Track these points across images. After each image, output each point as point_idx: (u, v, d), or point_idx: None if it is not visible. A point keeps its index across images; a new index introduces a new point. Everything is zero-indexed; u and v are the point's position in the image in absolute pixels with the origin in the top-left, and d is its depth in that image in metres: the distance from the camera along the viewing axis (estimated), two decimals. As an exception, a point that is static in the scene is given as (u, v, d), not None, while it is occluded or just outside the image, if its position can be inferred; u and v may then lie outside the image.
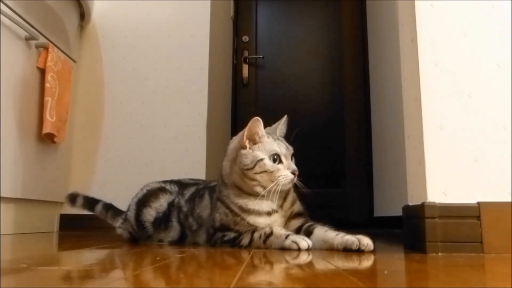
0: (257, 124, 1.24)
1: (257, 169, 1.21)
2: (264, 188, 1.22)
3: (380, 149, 2.60)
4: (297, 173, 1.23)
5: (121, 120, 2.24)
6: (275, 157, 1.22)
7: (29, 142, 1.84)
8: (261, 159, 1.21)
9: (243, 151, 1.25)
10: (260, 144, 1.24)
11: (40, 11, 1.92)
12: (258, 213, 1.24)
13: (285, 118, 1.38)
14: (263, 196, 1.22)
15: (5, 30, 1.69)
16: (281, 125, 1.36)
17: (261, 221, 1.23)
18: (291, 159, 1.27)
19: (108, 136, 2.23)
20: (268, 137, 1.26)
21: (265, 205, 1.24)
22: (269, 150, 1.23)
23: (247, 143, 1.25)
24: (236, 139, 1.31)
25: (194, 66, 2.24)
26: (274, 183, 1.20)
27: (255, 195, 1.24)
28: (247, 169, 1.22)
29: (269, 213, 1.25)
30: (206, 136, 2.18)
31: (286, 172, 1.22)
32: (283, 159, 1.23)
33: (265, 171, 1.21)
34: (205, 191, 1.44)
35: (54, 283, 0.63)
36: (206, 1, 2.30)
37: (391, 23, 2.26)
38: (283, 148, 1.24)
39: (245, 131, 1.24)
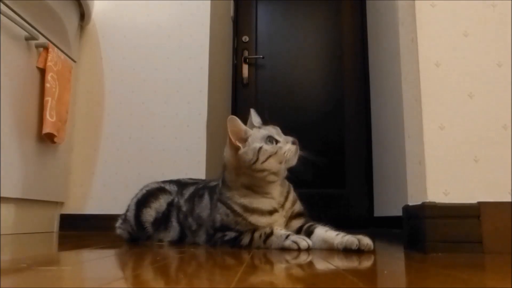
0: (233, 122, 1.26)
1: (261, 158, 1.22)
2: (276, 174, 1.23)
3: (380, 149, 2.59)
4: (297, 142, 1.25)
5: (121, 120, 2.24)
6: (270, 139, 1.24)
7: (29, 142, 1.84)
8: (260, 147, 1.22)
9: (240, 152, 1.25)
10: (249, 138, 1.26)
11: (40, 11, 1.92)
12: (261, 212, 1.24)
13: (252, 111, 1.40)
14: (263, 192, 1.25)
15: (5, 30, 1.69)
16: (253, 117, 1.38)
17: (262, 221, 1.23)
18: None
19: (108, 136, 2.23)
20: (252, 129, 1.28)
21: (268, 203, 1.25)
22: (261, 137, 1.24)
23: (238, 143, 1.25)
24: (227, 149, 1.31)
25: (194, 66, 2.24)
26: (283, 162, 1.22)
27: (267, 191, 1.25)
28: (253, 163, 1.22)
29: (270, 212, 1.25)
30: (206, 136, 2.18)
31: (288, 146, 1.24)
32: (277, 137, 1.25)
33: (270, 156, 1.22)
34: (204, 191, 1.44)
35: (54, 283, 0.63)
36: (206, 1, 2.29)
37: (391, 23, 2.26)
38: (271, 129, 1.28)
39: (229, 135, 1.26)
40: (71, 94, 2.13)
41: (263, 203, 1.24)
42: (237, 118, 1.26)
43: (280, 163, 1.22)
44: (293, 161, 1.25)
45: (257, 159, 1.22)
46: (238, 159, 1.25)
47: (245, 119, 1.29)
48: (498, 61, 1.18)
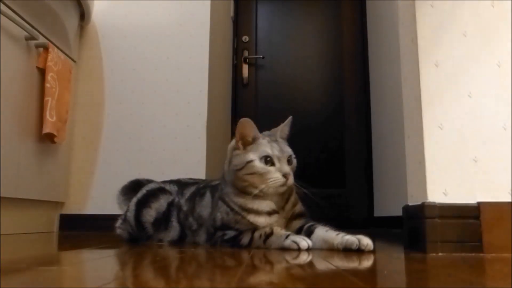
0: (245, 125, 1.24)
1: (246, 170, 1.21)
2: (256, 188, 1.21)
3: (380, 149, 2.60)
4: (289, 176, 1.20)
5: (121, 120, 2.24)
6: (267, 159, 1.20)
7: (29, 142, 1.84)
8: (251, 161, 1.20)
9: (236, 152, 1.26)
10: (253, 145, 1.24)
11: (40, 11, 1.92)
12: (258, 213, 1.24)
13: (289, 119, 1.35)
14: (256, 195, 1.21)
15: (5, 30, 1.69)
16: (284, 126, 1.34)
17: (261, 221, 1.23)
18: (288, 161, 1.24)
19: (108, 136, 2.23)
20: (263, 139, 1.25)
21: (264, 204, 1.24)
22: (261, 152, 1.21)
23: (239, 144, 1.25)
24: (232, 141, 1.31)
25: (194, 66, 2.24)
26: (265, 186, 1.19)
27: (250, 194, 1.23)
28: (237, 170, 1.23)
29: (269, 213, 1.25)
30: (206, 136, 2.18)
31: (276, 175, 1.19)
32: (275, 161, 1.21)
33: (255, 173, 1.20)
34: (206, 190, 1.44)
35: (54, 283, 0.63)
36: (206, 1, 2.30)
37: (391, 23, 2.26)
38: (276, 150, 1.22)
39: (236, 134, 1.25)
40: (71, 94, 2.14)
41: (259, 204, 1.23)
42: (250, 122, 1.23)
43: (263, 183, 1.19)
44: (277, 190, 1.21)
45: (242, 168, 1.21)
46: (232, 155, 1.27)
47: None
48: (498, 61, 1.18)
